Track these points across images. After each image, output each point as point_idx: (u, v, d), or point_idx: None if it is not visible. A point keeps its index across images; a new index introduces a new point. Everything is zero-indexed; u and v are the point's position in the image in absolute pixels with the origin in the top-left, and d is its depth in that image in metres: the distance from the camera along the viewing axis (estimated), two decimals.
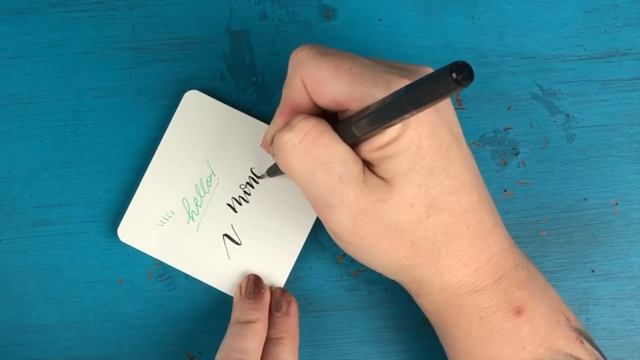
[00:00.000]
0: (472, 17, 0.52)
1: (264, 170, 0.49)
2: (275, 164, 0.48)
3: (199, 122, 0.50)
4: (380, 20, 0.52)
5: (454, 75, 0.29)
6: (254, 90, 0.51)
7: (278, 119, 0.42)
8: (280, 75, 0.51)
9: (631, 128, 0.51)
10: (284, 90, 0.42)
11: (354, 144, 0.39)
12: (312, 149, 0.38)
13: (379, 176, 0.39)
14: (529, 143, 0.51)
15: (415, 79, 0.37)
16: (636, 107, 0.51)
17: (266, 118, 0.50)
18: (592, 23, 0.52)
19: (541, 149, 0.51)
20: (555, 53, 0.51)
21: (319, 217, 0.41)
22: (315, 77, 0.39)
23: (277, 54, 0.52)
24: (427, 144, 0.38)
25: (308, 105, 0.41)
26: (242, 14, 0.52)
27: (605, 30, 0.52)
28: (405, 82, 0.37)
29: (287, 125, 0.39)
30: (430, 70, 0.40)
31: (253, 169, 0.50)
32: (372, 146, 0.38)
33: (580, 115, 0.51)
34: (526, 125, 0.51)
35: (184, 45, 0.51)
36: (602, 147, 0.51)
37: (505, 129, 0.51)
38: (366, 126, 0.37)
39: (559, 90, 0.51)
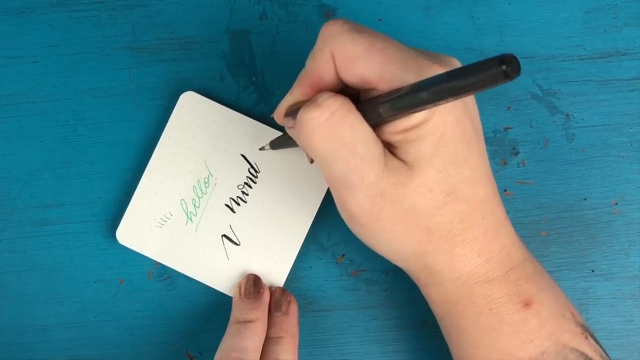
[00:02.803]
0: (472, 17, 0.52)
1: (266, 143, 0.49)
2: (281, 136, 0.47)
3: (196, 124, 0.50)
4: (380, 20, 0.52)
5: (504, 67, 0.29)
6: (254, 90, 0.51)
7: (297, 90, 0.42)
8: (280, 75, 0.51)
9: (631, 128, 0.51)
10: (308, 62, 0.41)
11: (375, 125, 0.39)
12: (338, 128, 0.38)
13: (400, 159, 0.39)
14: (529, 143, 0.51)
15: (446, 67, 0.37)
16: (636, 107, 0.51)
17: (266, 118, 0.50)
18: (592, 23, 0.51)
19: (541, 149, 0.51)
20: (555, 53, 0.51)
21: (336, 198, 0.41)
22: (347, 52, 0.39)
23: (277, 54, 0.51)
24: (451, 132, 0.38)
25: (332, 81, 0.40)
26: (242, 14, 0.52)
27: (605, 30, 0.52)
28: (436, 68, 0.37)
29: (312, 102, 0.38)
30: (458, 62, 0.40)
31: (252, 166, 0.50)
32: (396, 129, 0.38)
33: (580, 115, 0.51)
34: (526, 125, 0.51)
35: (184, 45, 0.51)
36: (602, 147, 0.51)
37: (505, 129, 0.51)
38: (395, 109, 0.36)
39: (559, 90, 0.51)
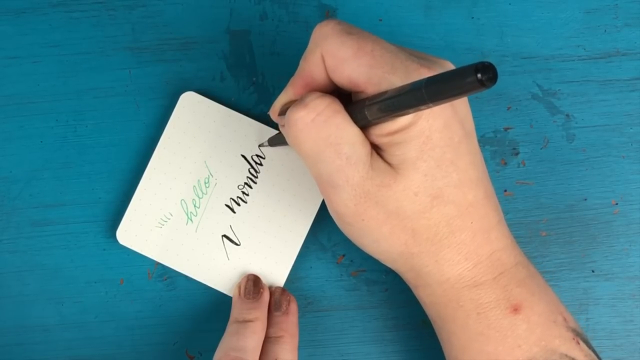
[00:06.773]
0: (472, 17, 0.52)
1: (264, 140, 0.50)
2: (278, 134, 0.48)
3: (196, 124, 0.50)
4: (380, 20, 0.52)
5: (479, 75, 0.29)
6: (254, 90, 0.51)
7: (290, 89, 0.42)
8: (280, 75, 0.51)
9: (631, 128, 0.51)
10: (301, 62, 0.41)
11: (364, 127, 0.39)
12: (324, 128, 0.38)
13: (386, 161, 0.39)
14: (529, 143, 0.51)
15: (435, 70, 0.38)
16: (636, 107, 0.51)
17: (266, 118, 0.50)
18: (592, 23, 0.51)
19: (541, 149, 0.51)
20: (555, 53, 0.51)
21: (323, 196, 0.41)
22: (336, 54, 0.39)
23: (277, 54, 0.52)
24: (437, 136, 0.38)
25: (323, 81, 0.41)
26: (242, 14, 0.52)
27: (605, 30, 0.52)
28: (424, 71, 0.38)
29: (300, 102, 0.39)
30: (450, 64, 0.40)
31: (252, 166, 0.50)
32: (382, 131, 0.38)
33: (580, 115, 0.51)
34: (526, 125, 0.51)
35: (184, 45, 0.51)
36: (602, 147, 0.51)
37: (505, 129, 0.51)
38: (379, 112, 0.37)
39: (559, 90, 0.51)
